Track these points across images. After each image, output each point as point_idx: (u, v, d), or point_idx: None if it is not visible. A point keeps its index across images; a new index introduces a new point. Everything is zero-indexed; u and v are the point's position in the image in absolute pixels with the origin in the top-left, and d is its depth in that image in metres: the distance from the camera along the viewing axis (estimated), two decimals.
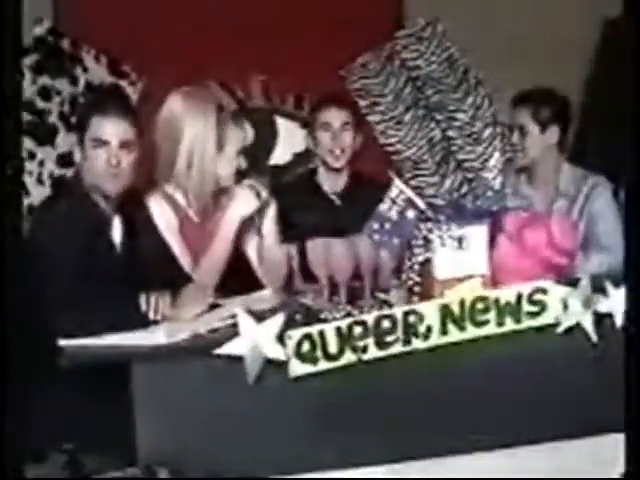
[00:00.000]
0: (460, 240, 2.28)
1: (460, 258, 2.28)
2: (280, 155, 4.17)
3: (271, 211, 2.89)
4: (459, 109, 4.39)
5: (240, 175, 2.82)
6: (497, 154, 2.36)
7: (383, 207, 2.28)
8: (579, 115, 3.81)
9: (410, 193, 2.24)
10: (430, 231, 2.26)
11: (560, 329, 2.32)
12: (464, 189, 3.67)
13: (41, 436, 2.22)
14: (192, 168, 2.71)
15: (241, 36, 4.01)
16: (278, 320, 2.14)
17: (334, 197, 3.36)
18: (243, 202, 2.74)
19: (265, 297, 2.51)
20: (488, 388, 2.28)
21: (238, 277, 2.74)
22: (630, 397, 2.14)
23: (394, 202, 2.26)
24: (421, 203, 2.27)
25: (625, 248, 2.27)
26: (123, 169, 2.51)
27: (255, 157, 4.10)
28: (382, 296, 2.45)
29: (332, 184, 3.37)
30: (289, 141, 4.16)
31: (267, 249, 2.60)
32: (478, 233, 2.30)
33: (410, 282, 2.30)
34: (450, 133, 4.44)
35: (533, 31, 4.21)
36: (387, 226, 2.28)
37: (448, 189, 2.48)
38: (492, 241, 2.33)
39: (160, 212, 2.73)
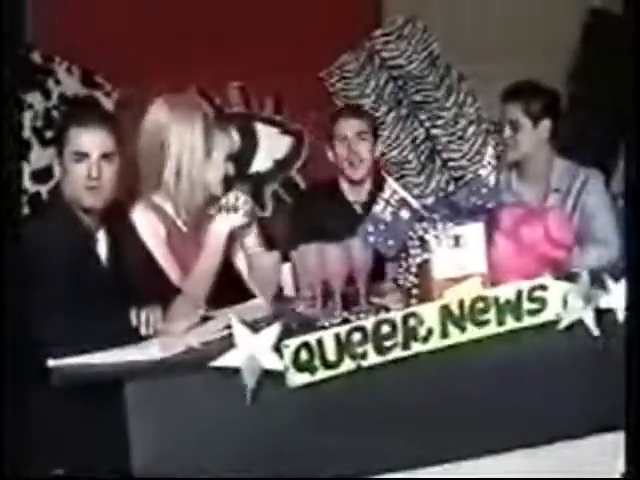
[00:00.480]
0: (457, 239, 2.28)
1: (457, 257, 2.28)
2: (261, 162, 4.16)
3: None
4: (442, 107, 4.45)
5: (227, 182, 2.82)
6: (490, 150, 2.35)
7: (377, 208, 2.27)
8: (568, 107, 3.82)
9: (404, 193, 2.23)
10: (426, 231, 2.26)
11: (561, 326, 2.32)
12: (450, 188, 3.67)
13: (33, 458, 2.19)
14: (181, 177, 2.73)
15: (216, 42, 3.99)
16: (274, 329, 2.12)
17: (357, 207, 3.38)
18: (230, 213, 2.74)
19: (257, 307, 2.50)
20: (490, 389, 2.27)
21: (229, 288, 2.73)
22: (631, 397, 2.14)
23: (388, 203, 2.25)
24: (415, 203, 2.26)
25: (625, 244, 2.27)
26: (105, 181, 2.50)
27: (237, 164, 4.11)
28: (378, 301, 2.46)
29: (355, 194, 3.40)
30: (269, 147, 4.16)
31: (257, 258, 2.58)
32: (474, 231, 2.30)
33: (408, 284, 2.29)
34: (434, 132, 4.50)
35: (520, 23, 4.24)
36: (381, 228, 2.27)
37: (434, 189, 2.47)
38: (489, 239, 2.33)
39: (147, 223, 2.73)
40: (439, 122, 4.34)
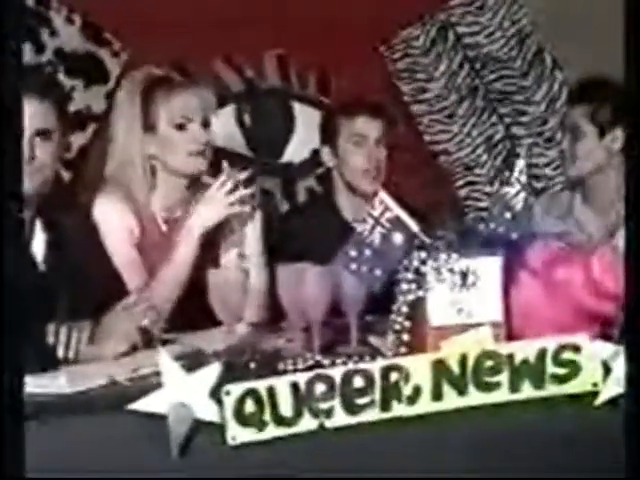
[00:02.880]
0: (464, 275, 2.14)
1: (463, 299, 2.15)
2: (295, 151, 4.07)
3: (253, 223, 2.80)
4: (529, 100, 4.28)
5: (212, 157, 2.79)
6: (520, 163, 2.20)
7: (362, 228, 2.14)
8: None
9: (399, 210, 2.09)
10: (424, 262, 2.12)
11: (599, 400, 2.15)
12: (530, 201, 3.47)
13: None
14: (125, 163, 2.75)
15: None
16: (213, 370, 2.01)
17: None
18: (210, 204, 2.68)
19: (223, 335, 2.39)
20: (491, 473, 2.11)
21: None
22: None
23: (377, 222, 2.12)
24: (413, 224, 2.12)
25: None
26: (40, 163, 2.43)
27: (263, 152, 4.04)
28: (374, 341, 2.35)
29: (356, 210, 3.26)
30: (308, 133, 4.05)
31: (229, 271, 2.49)
32: (490, 267, 2.16)
33: (397, 327, 2.16)
34: (515, 131, 4.33)
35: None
36: (367, 253, 2.14)
37: (508, 201, 2.30)
38: (509, 278, 2.19)
39: (115, 217, 2.72)
40: (523, 119, 4.19)
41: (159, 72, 2.80)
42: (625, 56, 2.20)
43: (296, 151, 4.07)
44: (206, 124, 2.78)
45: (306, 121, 4.05)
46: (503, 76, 4.22)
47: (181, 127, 2.74)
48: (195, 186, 2.82)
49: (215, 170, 2.83)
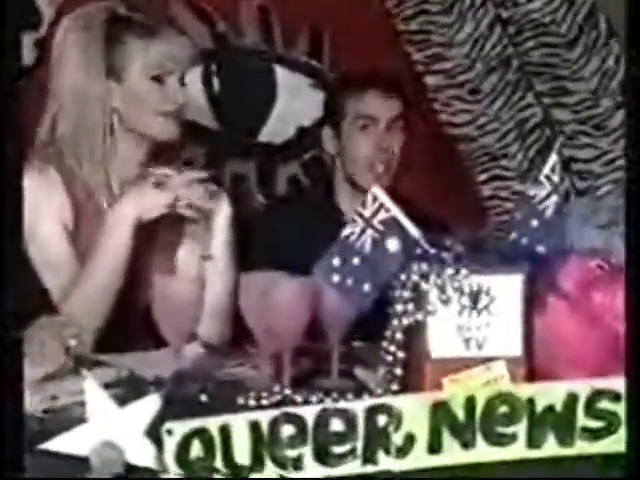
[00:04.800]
0: (476, 295, 2.16)
1: (473, 326, 2.17)
2: (277, 128, 4.11)
3: (218, 218, 2.84)
4: (575, 76, 4.31)
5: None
6: (553, 158, 2.23)
7: (350, 231, 2.17)
8: None
9: (396, 210, 2.12)
10: (425, 277, 2.14)
11: None
12: (569, 205, 3.53)
13: None
14: (78, 121, 2.76)
15: None
16: (152, 401, 2.04)
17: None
18: (147, 190, 2.69)
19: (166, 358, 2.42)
20: None
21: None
22: None
23: (368, 224, 2.15)
24: (413, 229, 2.15)
25: None
26: None
27: (235, 127, 4.07)
28: (359, 374, 2.38)
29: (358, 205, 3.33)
30: (294, 106, 4.11)
31: (181, 277, 2.54)
32: (509, 286, 2.18)
33: (388, 358, 2.18)
34: (557, 113, 4.36)
35: None
36: (354, 262, 2.17)
37: (536, 204, 2.34)
38: (532, 302, 2.21)
39: (45, 198, 2.74)
40: (566, 100, 4.22)
41: (123, 12, 2.80)
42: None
43: (278, 128, 4.12)
44: (183, 81, 2.79)
45: (292, 90, 4.13)
46: (544, 44, 4.27)
47: (157, 79, 2.75)
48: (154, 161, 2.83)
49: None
